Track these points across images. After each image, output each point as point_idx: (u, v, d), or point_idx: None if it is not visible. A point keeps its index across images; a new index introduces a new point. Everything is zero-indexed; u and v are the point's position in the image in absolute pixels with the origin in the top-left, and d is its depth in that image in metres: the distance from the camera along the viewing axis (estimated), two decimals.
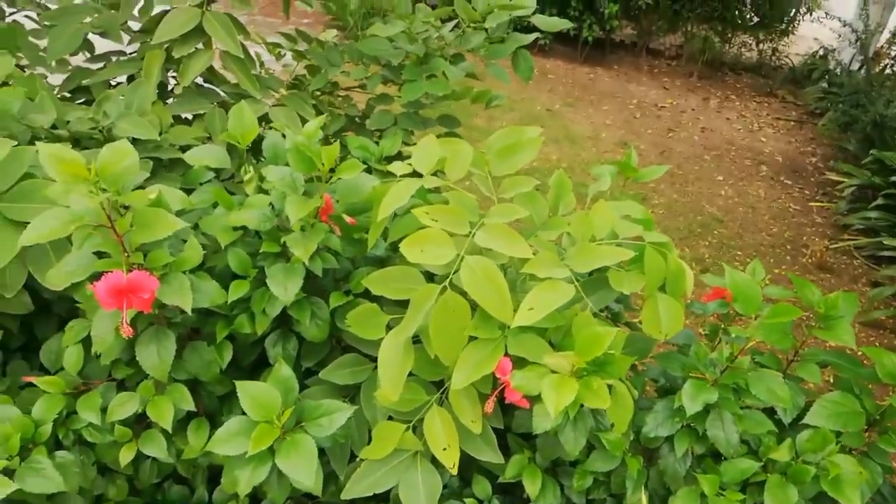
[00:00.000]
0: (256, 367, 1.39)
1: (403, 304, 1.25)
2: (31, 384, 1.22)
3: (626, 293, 1.16)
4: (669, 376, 1.43)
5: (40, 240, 0.94)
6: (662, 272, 1.16)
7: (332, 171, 1.16)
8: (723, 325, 1.46)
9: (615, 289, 1.16)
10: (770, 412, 1.35)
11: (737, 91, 7.77)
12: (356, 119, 2.29)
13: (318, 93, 2.24)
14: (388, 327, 1.17)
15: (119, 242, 1.02)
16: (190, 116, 2.04)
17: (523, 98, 6.53)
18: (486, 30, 2.05)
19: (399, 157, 1.96)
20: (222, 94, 2.01)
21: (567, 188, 1.31)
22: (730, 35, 8.17)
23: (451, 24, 2.12)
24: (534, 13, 2.00)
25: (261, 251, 1.20)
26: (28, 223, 1.12)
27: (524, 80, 2.09)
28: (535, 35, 2.06)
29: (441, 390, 1.20)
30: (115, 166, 0.97)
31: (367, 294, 1.30)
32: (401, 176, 1.22)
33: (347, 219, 1.23)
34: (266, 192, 1.31)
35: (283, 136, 1.31)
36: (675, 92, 7.50)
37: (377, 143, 1.79)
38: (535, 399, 1.03)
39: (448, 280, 1.04)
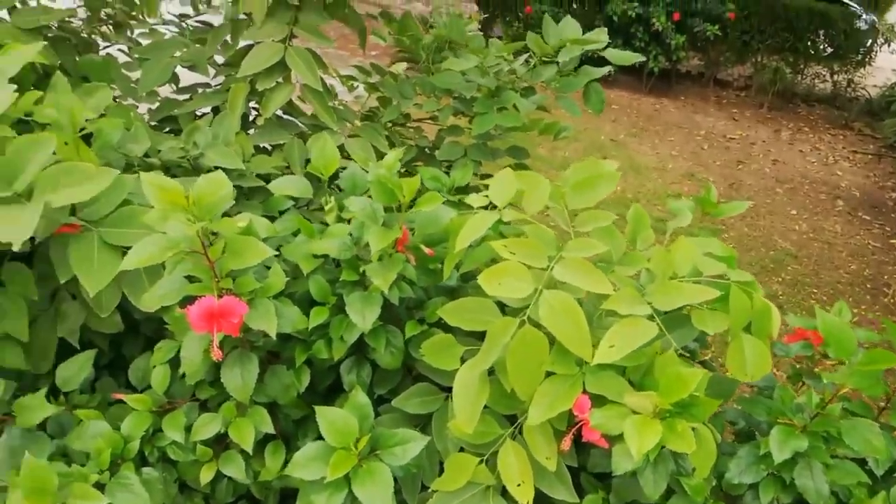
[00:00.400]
0: (330, 391, 1.41)
1: (477, 335, 1.25)
2: (119, 401, 1.28)
3: (710, 332, 1.12)
4: (751, 420, 1.37)
5: (140, 264, 0.99)
6: (748, 312, 1.12)
7: (411, 202, 1.18)
8: (808, 369, 1.40)
9: (697, 328, 1.13)
10: (860, 462, 1.28)
11: (810, 123, 7.52)
12: (426, 150, 2.33)
13: (391, 124, 2.30)
14: (462, 359, 1.17)
15: (210, 268, 1.06)
16: (268, 146, 2.13)
17: (587, 128, 6.50)
18: (557, 63, 2.07)
19: (468, 188, 1.98)
20: (300, 125, 2.09)
21: (645, 223, 1.29)
22: (802, 66, 7.94)
23: (522, 58, 2.15)
24: (606, 47, 2.00)
25: (340, 279, 1.23)
26: (125, 247, 1.19)
27: (595, 112, 2.09)
28: (607, 68, 2.06)
29: (515, 425, 1.18)
30: (211, 196, 1.01)
31: (440, 323, 1.31)
32: (477, 208, 1.23)
33: (426, 250, 1.25)
34: (345, 222, 1.34)
35: (364, 169, 1.35)
36: (745, 123, 7.32)
37: (447, 173, 1.81)
38: (615, 439, 1.01)
39: (526, 314, 1.04)
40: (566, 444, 1.09)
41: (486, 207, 1.21)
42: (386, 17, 2.31)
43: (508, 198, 1.17)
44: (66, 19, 2.24)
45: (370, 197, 1.23)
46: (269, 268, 1.22)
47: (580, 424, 1.06)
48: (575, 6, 7.95)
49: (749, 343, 1.12)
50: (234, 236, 1.05)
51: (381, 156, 2.03)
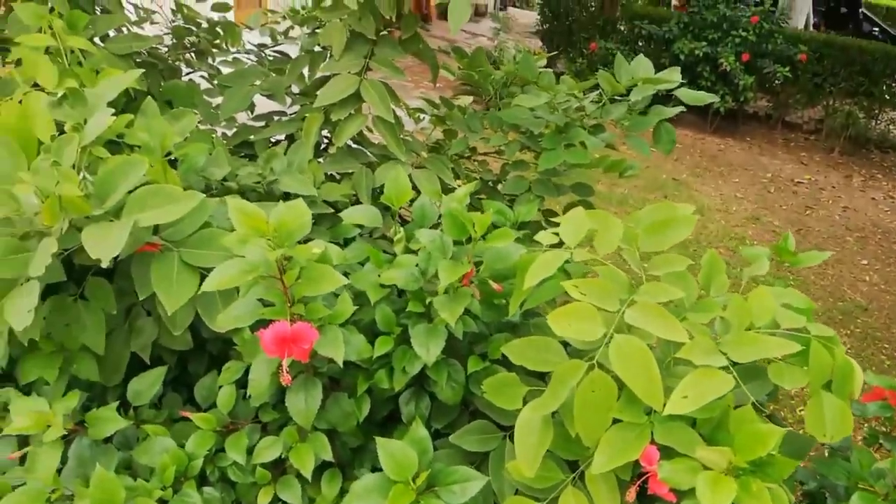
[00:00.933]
0: (387, 421, 1.41)
1: (539, 374, 1.23)
2: (184, 418, 1.31)
3: (788, 387, 1.08)
4: (825, 482, 1.30)
5: (220, 287, 1.02)
6: (828, 369, 1.07)
7: (481, 237, 1.18)
8: (886, 431, 1.32)
9: (774, 382, 1.09)
10: None
11: (884, 170, 7.23)
12: (490, 183, 2.34)
13: (456, 156, 2.32)
14: (525, 399, 1.15)
15: (284, 293, 1.08)
16: (336, 174, 2.18)
17: (648, 166, 6.42)
18: (628, 101, 2.05)
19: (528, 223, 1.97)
20: (369, 154, 2.13)
21: (720, 269, 1.25)
22: (876, 111, 7.68)
23: (591, 95, 2.15)
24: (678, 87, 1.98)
25: (406, 310, 1.23)
26: (202, 268, 1.24)
27: (664, 152, 2.06)
28: (679, 108, 2.03)
29: (577, 471, 1.15)
30: (291, 223, 1.04)
31: (501, 360, 1.30)
32: (547, 246, 1.22)
33: (494, 285, 1.24)
34: (413, 252, 1.36)
35: (434, 201, 1.36)
36: (814, 167, 7.09)
37: (510, 206, 1.81)
38: (684, 494, 0.97)
39: (595, 357, 1.02)
40: (631, 495, 1.05)
41: (555, 245, 1.21)
42: (458, 52, 2.35)
43: (579, 237, 1.16)
44: (154, 46, 2.37)
45: (440, 230, 1.24)
46: (336, 294, 1.24)
47: (647, 476, 1.02)
48: (641, 44, 7.93)
49: (829, 402, 1.07)
50: (310, 263, 1.08)
51: (446, 187, 2.05)
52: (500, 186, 2.29)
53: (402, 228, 1.40)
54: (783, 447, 1.17)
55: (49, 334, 1.33)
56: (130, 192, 1.14)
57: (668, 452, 1.02)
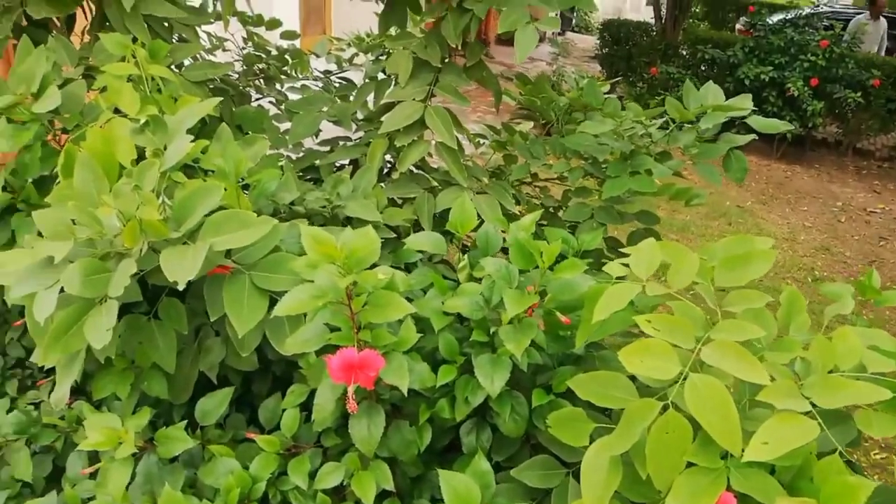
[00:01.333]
0: (446, 452, 1.39)
1: (606, 410, 1.19)
2: (247, 439, 1.32)
3: (876, 436, 1.01)
4: None
5: (291, 311, 1.04)
6: None
7: (549, 267, 1.16)
8: None
9: (861, 429, 1.02)
10: None
11: None
12: (550, 209, 2.31)
13: (517, 182, 2.31)
14: (591, 436, 1.12)
15: (351, 319, 1.09)
16: (398, 198, 2.19)
17: (711, 193, 6.24)
18: (696, 129, 2.01)
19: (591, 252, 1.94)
20: (431, 179, 2.14)
21: (801, 307, 1.19)
22: None
23: (657, 122, 2.11)
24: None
25: (470, 339, 1.22)
26: (272, 291, 1.26)
27: (736, 181, 2.00)
28: (751, 136, 1.98)
29: None
30: (361, 250, 1.05)
31: (566, 393, 1.26)
32: (616, 277, 1.19)
33: (562, 318, 1.22)
34: (476, 280, 1.35)
35: (500, 229, 1.35)
36: (888, 196, 6.77)
37: (571, 232, 1.78)
38: None
39: (670, 398, 0.98)
40: None
41: (624, 277, 1.17)
42: (521, 79, 2.35)
43: (651, 270, 1.12)
44: (226, 73, 2.45)
45: (507, 259, 1.23)
46: (399, 320, 1.23)
47: None
48: (704, 69, 7.78)
49: None
50: (379, 290, 1.08)
51: (507, 213, 2.04)
52: (561, 213, 2.26)
53: (465, 255, 1.39)
54: (871, 501, 1.09)
55: (122, 352, 1.37)
56: (207, 215, 1.17)
57: (745, 500, 0.97)
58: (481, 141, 2.65)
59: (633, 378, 1.14)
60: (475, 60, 2.06)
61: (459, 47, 2.08)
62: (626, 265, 1.17)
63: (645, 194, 2.05)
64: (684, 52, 8.24)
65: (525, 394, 1.29)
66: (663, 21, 8.52)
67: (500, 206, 1.99)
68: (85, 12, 2.23)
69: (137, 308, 1.37)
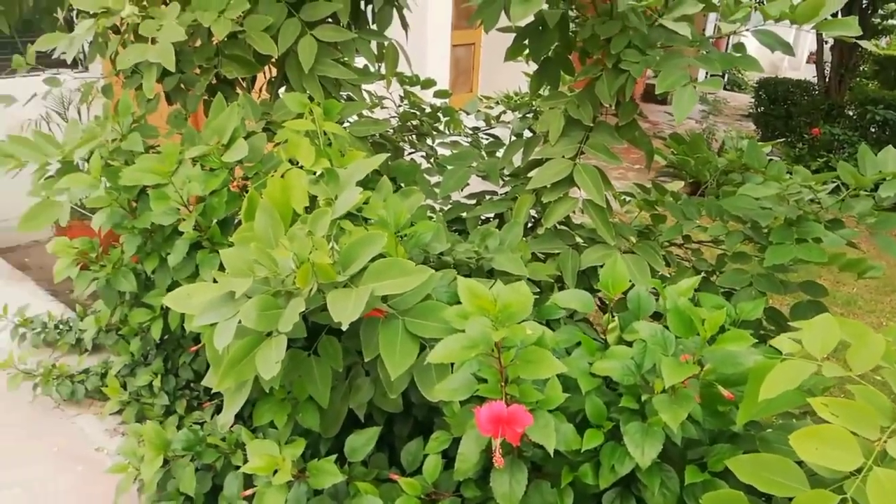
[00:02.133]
0: None
1: (765, 495, 1.10)
2: (389, 479, 1.36)
3: None
4: None
5: (443, 360, 1.07)
6: None
7: (711, 337, 1.11)
8: None
9: None
10: None
11: None
12: (703, 273, 2.21)
13: (667, 243, 2.24)
14: None
15: (500, 373, 1.09)
16: (540, 253, 2.20)
17: (880, 260, 5.65)
18: (873, 196, 1.85)
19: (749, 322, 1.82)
20: (576, 236, 2.13)
21: None
22: None
23: (828, 187, 1.96)
24: None
25: (620, 405, 1.18)
26: (422, 337, 1.30)
27: None
28: None
29: None
30: (515, 305, 1.06)
31: (721, 473, 1.18)
32: (786, 353, 1.11)
33: (724, 392, 1.15)
34: (627, 344, 1.31)
35: (652, 291, 1.31)
36: None
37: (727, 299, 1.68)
38: None
39: (849, 492, 0.88)
40: None
41: (793, 354, 1.09)
42: (674, 138, 2.30)
43: (828, 348, 1.03)
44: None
45: (662, 324, 1.19)
46: (545, 378, 1.22)
47: None
48: (873, 130, 7.17)
49: None
50: (530, 346, 1.08)
51: (655, 275, 1.97)
52: (715, 278, 2.15)
53: (615, 317, 1.36)
54: None
55: (282, 384, 1.47)
56: (370, 262, 1.24)
57: None
58: (626, 199, 2.61)
59: (799, 463, 1.04)
60: (628, 120, 2.06)
61: (612, 107, 2.08)
62: (798, 341, 1.09)
63: (812, 264, 1.90)
64: (851, 113, 7.64)
65: (675, 467, 1.22)
66: (827, 80, 7.99)
67: (649, 268, 1.93)
68: (264, 72, 2.50)
69: (297, 343, 1.47)
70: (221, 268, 1.47)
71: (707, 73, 1.88)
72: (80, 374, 2.45)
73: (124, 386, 2.30)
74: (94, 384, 2.42)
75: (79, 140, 2.07)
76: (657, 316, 1.45)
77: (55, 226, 3.03)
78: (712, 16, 10.58)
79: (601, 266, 1.65)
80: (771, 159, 2.13)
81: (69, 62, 2.58)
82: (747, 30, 1.87)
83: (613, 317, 1.35)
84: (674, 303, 1.14)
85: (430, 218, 2.05)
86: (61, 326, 2.79)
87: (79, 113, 4.09)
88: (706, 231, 2.06)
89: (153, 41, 2.01)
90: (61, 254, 2.05)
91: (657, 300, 1.42)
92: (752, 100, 8.94)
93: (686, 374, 1.06)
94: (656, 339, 1.16)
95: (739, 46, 1.97)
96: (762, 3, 1.83)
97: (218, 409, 2.07)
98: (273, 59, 2.36)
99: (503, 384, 1.11)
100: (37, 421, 2.37)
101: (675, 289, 1.22)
